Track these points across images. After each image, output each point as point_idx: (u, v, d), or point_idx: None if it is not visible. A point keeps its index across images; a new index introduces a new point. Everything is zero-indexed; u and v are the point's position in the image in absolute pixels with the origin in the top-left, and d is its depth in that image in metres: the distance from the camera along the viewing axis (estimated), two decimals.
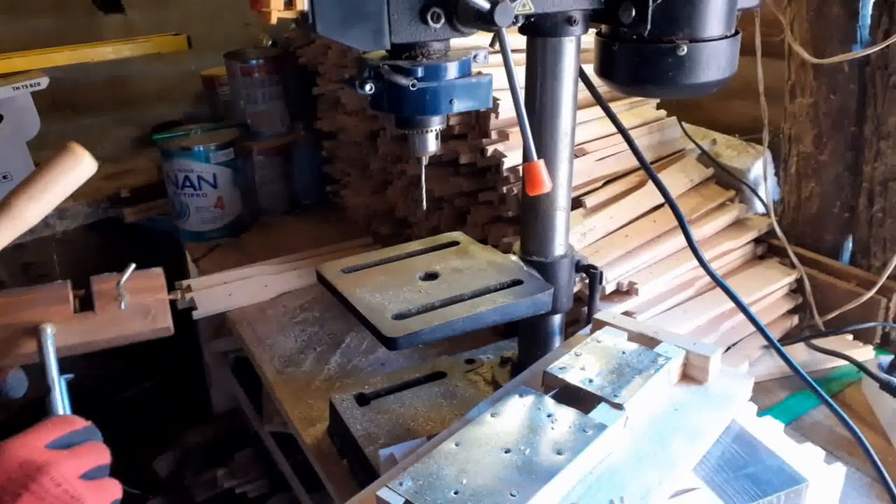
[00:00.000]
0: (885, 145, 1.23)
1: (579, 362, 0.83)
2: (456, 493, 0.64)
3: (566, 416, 0.74)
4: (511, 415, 0.75)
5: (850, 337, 1.25)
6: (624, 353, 0.85)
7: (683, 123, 1.45)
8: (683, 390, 0.85)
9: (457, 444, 0.71)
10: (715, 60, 0.82)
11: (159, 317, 1.02)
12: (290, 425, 1.17)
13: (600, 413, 0.75)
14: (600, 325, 0.93)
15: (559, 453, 0.68)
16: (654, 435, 0.77)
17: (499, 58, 0.76)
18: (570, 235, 1.00)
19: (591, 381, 0.79)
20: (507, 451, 0.69)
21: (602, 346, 0.87)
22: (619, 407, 0.75)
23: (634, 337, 0.90)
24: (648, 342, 0.88)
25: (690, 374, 0.87)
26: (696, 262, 0.99)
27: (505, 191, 1.22)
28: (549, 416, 0.74)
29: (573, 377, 0.80)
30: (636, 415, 0.77)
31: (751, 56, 1.20)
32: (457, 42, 0.81)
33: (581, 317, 1.13)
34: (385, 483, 0.66)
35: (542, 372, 0.83)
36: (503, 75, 0.75)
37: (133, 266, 1.00)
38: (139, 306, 1.00)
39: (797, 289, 1.31)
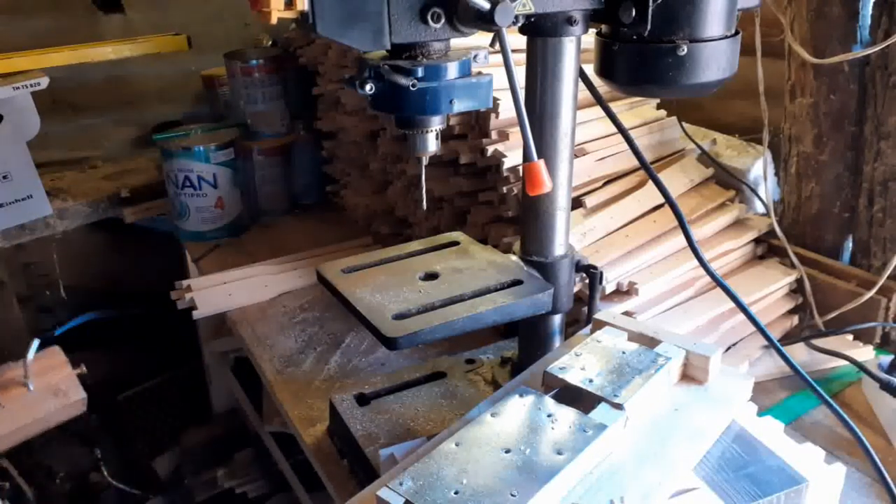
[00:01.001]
0: (885, 145, 1.23)
1: (579, 362, 0.83)
2: (456, 493, 0.64)
3: (566, 416, 0.74)
4: (511, 415, 0.75)
5: (850, 337, 1.25)
6: (624, 353, 0.85)
7: (683, 123, 1.45)
8: (683, 390, 0.85)
9: (457, 444, 0.71)
10: (715, 60, 0.82)
11: (71, 391, 1.02)
12: (290, 425, 1.17)
13: (600, 413, 0.75)
14: (600, 325, 0.93)
15: (559, 453, 0.68)
16: (654, 435, 0.77)
17: (499, 58, 0.76)
18: (570, 235, 1.00)
19: (591, 381, 0.79)
20: (508, 451, 0.69)
21: (602, 346, 0.87)
22: (619, 407, 0.75)
23: (634, 337, 0.90)
24: (648, 342, 0.88)
25: (690, 374, 0.87)
26: (696, 262, 0.99)
27: (505, 191, 1.22)
28: (549, 416, 0.74)
29: (573, 377, 0.80)
30: (636, 415, 0.77)
31: (751, 56, 1.20)
32: (457, 42, 0.81)
33: (581, 317, 1.13)
34: (385, 483, 0.66)
35: (542, 372, 0.83)
36: (503, 75, 0.75)
37: (37, 342, 1.00)
38: (47, 386, 1.01)
39: (797, 289, 1.31)
